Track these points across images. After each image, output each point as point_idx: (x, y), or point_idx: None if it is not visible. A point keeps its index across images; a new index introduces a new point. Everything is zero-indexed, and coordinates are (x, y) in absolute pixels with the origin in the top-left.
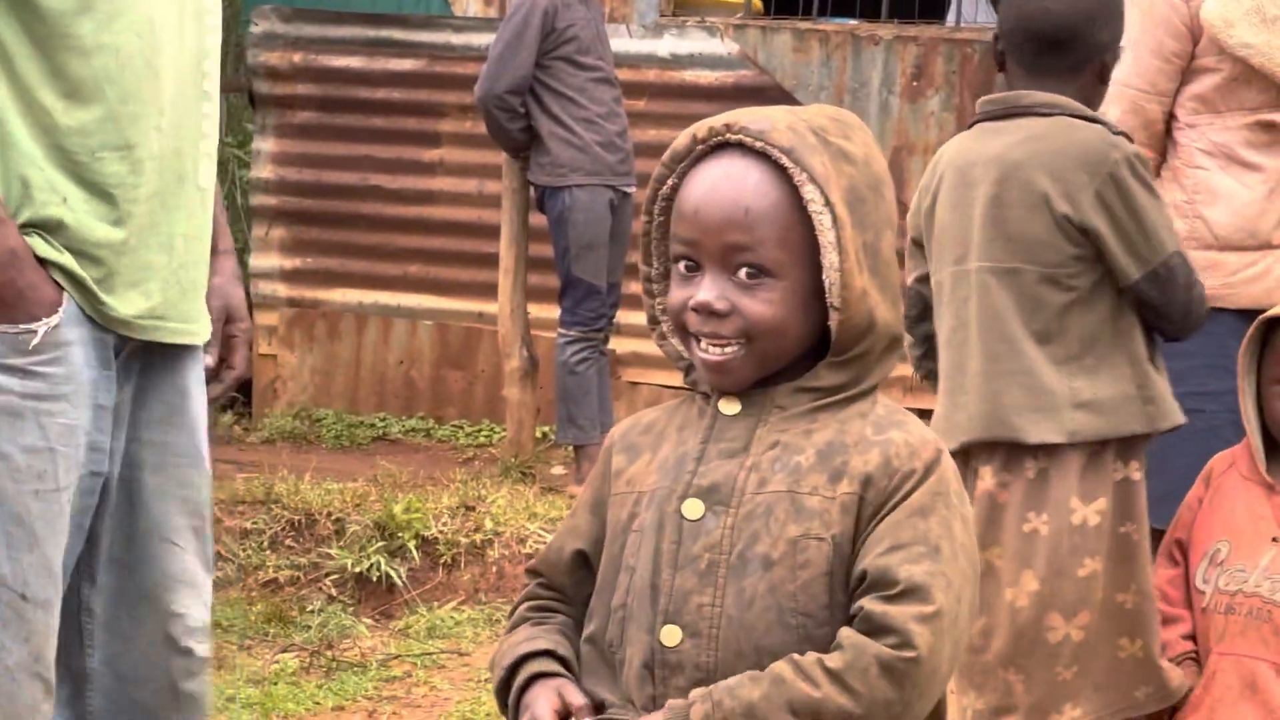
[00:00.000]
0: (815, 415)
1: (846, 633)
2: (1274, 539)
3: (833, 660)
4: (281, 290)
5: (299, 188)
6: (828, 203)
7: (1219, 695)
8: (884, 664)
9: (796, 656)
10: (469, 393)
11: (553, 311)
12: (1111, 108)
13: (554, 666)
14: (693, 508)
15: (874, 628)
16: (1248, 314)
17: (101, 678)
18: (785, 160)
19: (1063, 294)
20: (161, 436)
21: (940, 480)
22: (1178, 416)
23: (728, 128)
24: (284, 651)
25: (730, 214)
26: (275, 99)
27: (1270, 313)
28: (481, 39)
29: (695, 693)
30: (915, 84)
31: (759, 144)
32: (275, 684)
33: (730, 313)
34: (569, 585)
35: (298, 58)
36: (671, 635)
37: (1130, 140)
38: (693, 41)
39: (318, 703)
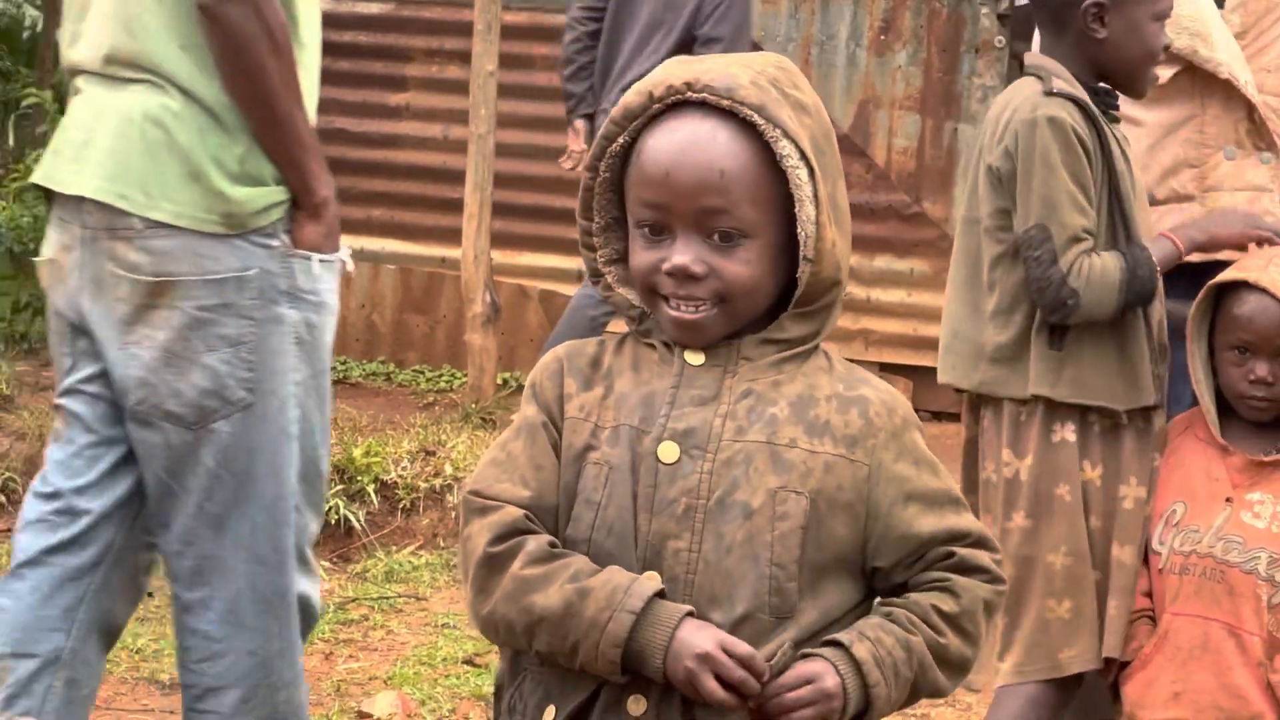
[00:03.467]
0: (781, 367)
1: (957, 579)
2: (1227, 499)
3: (947, 605)
4: None
5: None
6: (802, 156)
7: (1169, 655)
8: (987, 603)
9: (905, 600)
10: (430, 337)
11: (515, 258)
12: None
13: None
14: (668, 450)
15: (969, 567)
16: None
17: None
18: (756, 118)
19: (995, 246)
20: None
21: (920, 429)
22: (1086, 394)
23: (689, 86)
24: None
25: (704, 177)
26: None
27: (1220, 277)
28: None
29: (841, 635)
30: (883, 37)
31: (726, 102)
32: None
33: (707, 275)
34: (544, 515)
35: None
36: (649, 580)
37: (1083, 108)
38: None
39: None
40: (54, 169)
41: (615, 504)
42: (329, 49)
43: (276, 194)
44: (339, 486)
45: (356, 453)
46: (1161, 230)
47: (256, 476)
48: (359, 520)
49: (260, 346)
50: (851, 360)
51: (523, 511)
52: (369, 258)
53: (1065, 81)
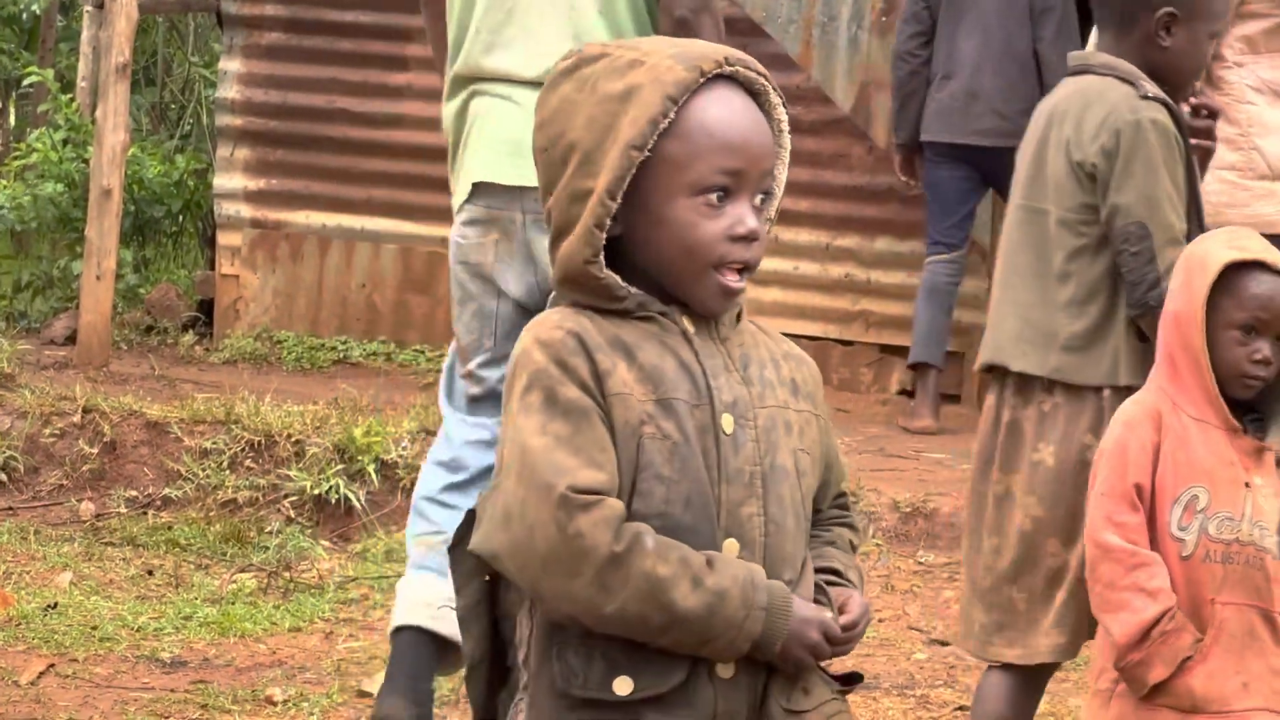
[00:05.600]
0: (739, 330)
1: (851, 515)
2: (1246, 484)
3: (854, 536)
4: (245, 211)
5: (265, 109)
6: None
7: (1226, 645)
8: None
9: (832, 532)
10: (431, 317)
11: None
12: None
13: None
14: (728, 422)
15: (849, 505)
16: None
17: None
18: (771, 89)
19: (1074, 239)
20: None
21: None
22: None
23: (728, 61)
24: (242, 572)
25: (766, 142)
26: (243, 19)
27: (1233, 257)
28: None
29: (831, 563)
30: (885, 19)
31: (760, 78)
32: (233, 604)
33: (758, 239)
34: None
35: None
36: (731, 548)
37: (1171, 111)
38: None
39: (274, 623)
40: (493, 165)
41: (689, 478)
42: (330, 29)
43: None
44: (339, 466)
45: (357, 432)
46: None
47: None
48: (359, 500)
49: None
50: (851, 342)
51: (621, 502)
52: (370, 237)
53: (1150, 85)
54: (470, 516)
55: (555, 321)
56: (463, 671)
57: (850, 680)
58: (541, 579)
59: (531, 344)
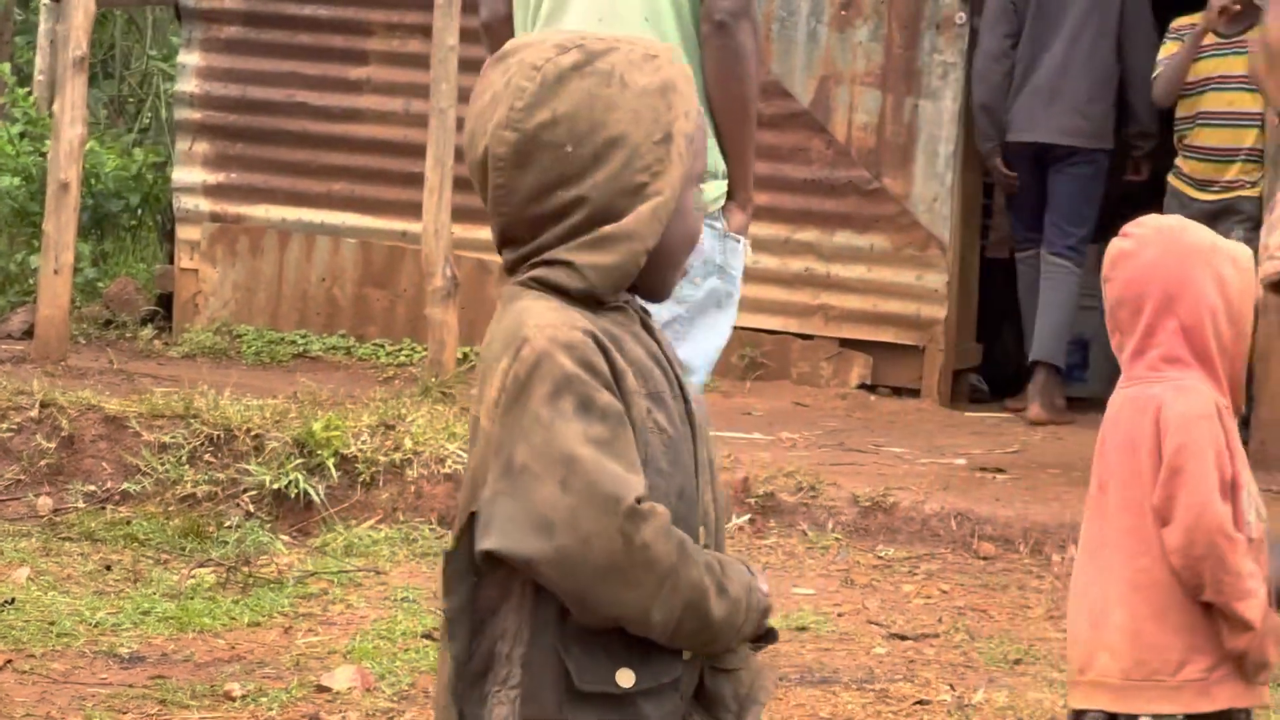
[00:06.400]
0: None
1: None
2: None
3: None
4: (204, 205)
5: (224, 103)
6: None
7: None
8: None
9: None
10: (391, 311)
11: (475, 232)
12: None
13: None
14: (699, 410)
15: None
16: None
17: None
18: None
19: None
20: None
21: None
22: None
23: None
24: (201, 566)
25: None
26: (202, 13)
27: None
28: None
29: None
30: (844, 13)
31: None
32: (192, 599)
33: None
34: None
35: None
36: (701, 537)
37: None
38: None
39: (234, 618)
40: None
41: (681, 470)
42: (289, 23)
43: (723, 186)
44: (298, 460)
45: (316, 426)
46: None
47: None
48: (318, 494)
49: (695, 307)
50: (811, 336)
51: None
52: (329, 231)
53: None
54: (470, 519)
55: (564, 320)
56: (428, 666)
57: (766, 638)
58: (593, 588)
59: (549, 345)
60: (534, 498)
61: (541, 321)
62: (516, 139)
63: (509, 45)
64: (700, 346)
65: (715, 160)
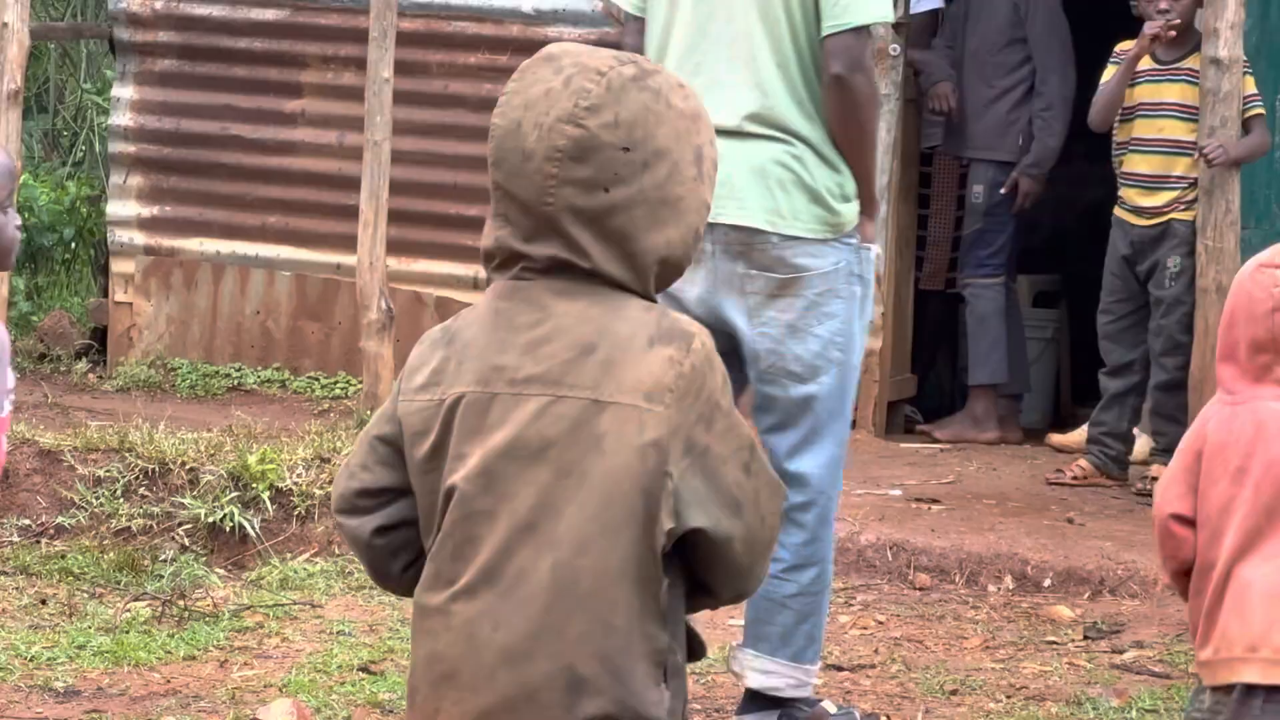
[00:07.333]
0: None
1: None
2: None
3: None
4: (139, 238)
5: (158, 135)
6: None
7: None
8: None
9: None
10: (326, 344)
11: (411, 265)
12: None
13: None
14: None
15: None
16: None
17: None
18: None
19: None
20: None
21: None
22: None
23: None
24: (136, 600)
25: None
26: (136, 46)
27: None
28: None
29: None
30: None
31: None
32: (127, 633)
33: None
34: None
35: (159, 4)
36: None
37: None
38: None
39: (169, 652)
40: None
41: None
42: (224, 55)
43: (856, 206)
44: (233, 493)
45: (251, 460)
46: None
47: (844, 412)
48: (254, 527)
49: (847, 317)
50: None
51: None
52: (264, 264)
53: None
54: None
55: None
56: None
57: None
58: (761, 561)
59: (710, 341)
60: (724, 480)
61: (685, 319)
62: (580, 134)
63: (553, 49)
64: (855, 343)
65: (850, 183)
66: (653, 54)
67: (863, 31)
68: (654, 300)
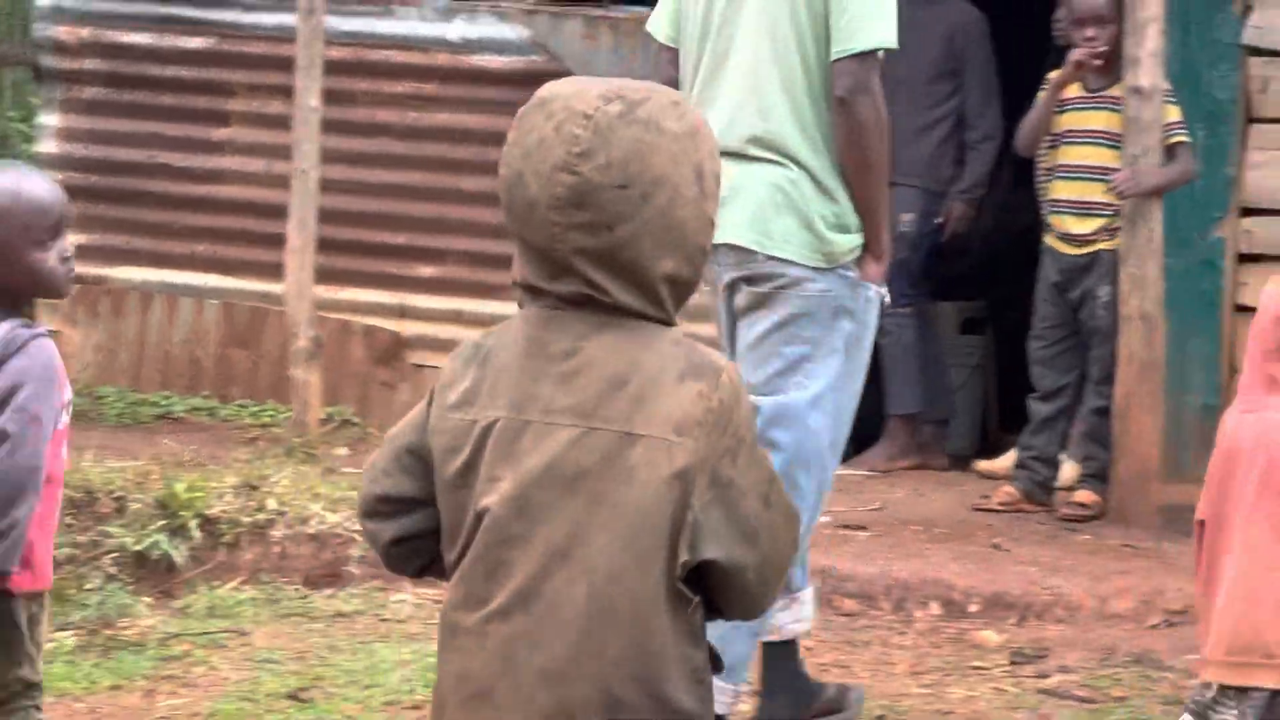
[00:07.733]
0: None
1: None
2: None
3: None
4: None
5: (85, 164)
6: None
7: None
8: None
9: None
10: (254, 372)
11: (339, 293)
12: None
13: None
14: None
15: None
16: None
17: None
18: None
19: None
20: None
21: None
22: None
23: None
24: (61, 630)
25: None
26: (62, 73)
27: None
28: (271, 19)
29: None
30: None
31: None
32: (51, 663)
33: None
34: None
35: (86, 32)
36: None
37: None
38: (483, 26)
39: (94, 681)
40: None
41: None
42: (151, 84)
43: (857, 240)
44: (161, 521)
45: (179, 488)
46: None
47: (809, 455)
48: (181, 555)
49: (825, 349)
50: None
51: None
52: (192, 292)
53: None
54: None
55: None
56: None
57: None
58: (773, 588)
59: (739, 375)
60: (743, 513)
61: (714, 353)
62: (575, 181)
63: (546, 92)
64: (828, 374)
65: (850, 215)
66: (684, 86)
67: (869, 56)
68: (675, 324)
